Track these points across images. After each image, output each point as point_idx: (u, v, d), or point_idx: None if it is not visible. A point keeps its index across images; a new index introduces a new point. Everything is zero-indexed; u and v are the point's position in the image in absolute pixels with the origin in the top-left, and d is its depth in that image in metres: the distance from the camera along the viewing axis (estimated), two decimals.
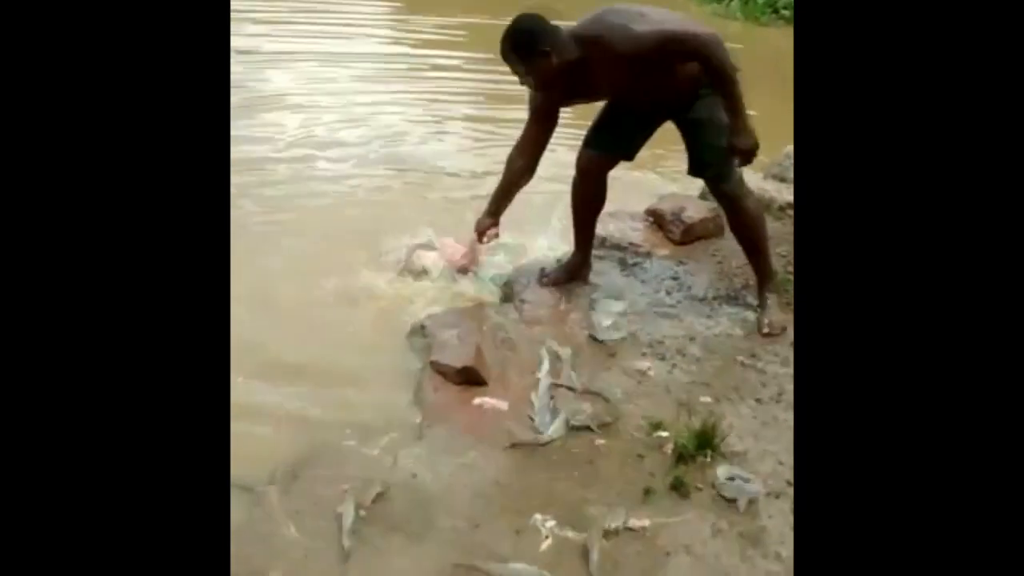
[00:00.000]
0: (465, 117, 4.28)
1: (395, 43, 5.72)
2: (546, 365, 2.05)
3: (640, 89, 2.18)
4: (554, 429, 1.84)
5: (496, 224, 2.42)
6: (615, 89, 2.23)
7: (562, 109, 2.31)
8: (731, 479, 1.69)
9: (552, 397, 1.95)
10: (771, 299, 2.36)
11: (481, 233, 2.42)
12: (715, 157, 2.22)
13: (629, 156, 2.41)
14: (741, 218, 2.32)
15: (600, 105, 2.38)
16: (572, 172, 2.41)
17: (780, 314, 2.33)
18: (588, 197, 2.43)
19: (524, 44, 2.06)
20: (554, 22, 2.11)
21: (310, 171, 3.49)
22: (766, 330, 2.29)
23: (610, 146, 2.36)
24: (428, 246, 2.64)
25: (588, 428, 1.85)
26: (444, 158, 3.70)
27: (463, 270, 2.55)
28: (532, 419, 1.88)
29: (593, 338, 2.23)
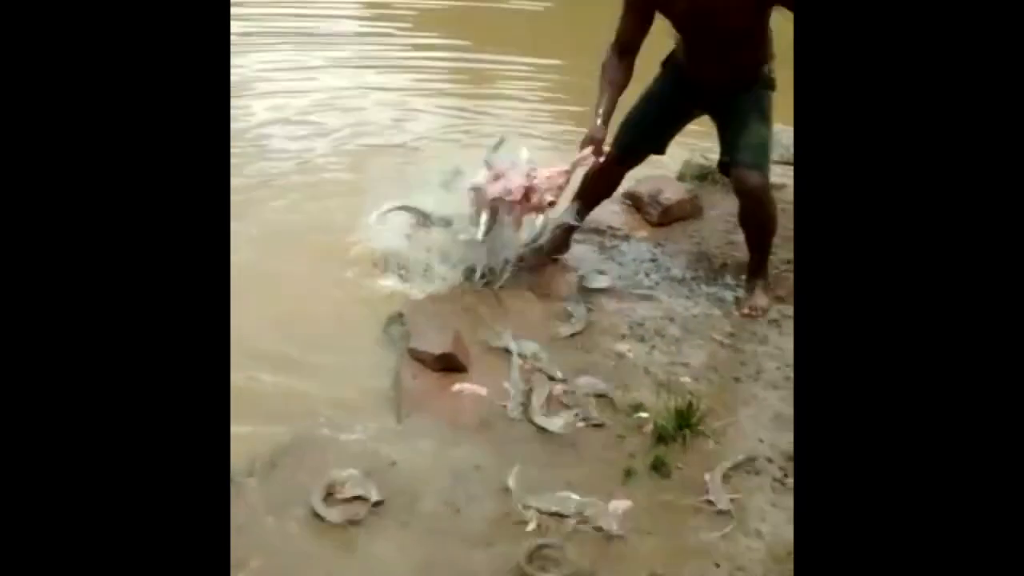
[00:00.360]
0: (443, 94, 4.23)
1: (372, 23, 5.63)
2: (515, 348, 2.04)
3: (724, 37, 2.15)
4: (531, 408, 1.84)
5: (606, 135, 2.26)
6: (709, 18, 2.12)
7: None
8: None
9: (528, 381, 1.94)
10: (759, 285, 2.37)
11: (599, 143, 2.23)
12: (757, 148, 2.23)
13: (660, 150, 2.47)
14: (759, 215, 2.30)
15: (629, 100, 2.38)
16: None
17: (765, 299, 2.35)
18: (603, 187, 2.50)
19: None
20: None
21: (282, 151, 3.42)
22: (746, 310, 2.31)
23: (642, 143, 2.41)
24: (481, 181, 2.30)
25: (570, 410, 1.85)
26: (421, 137, 3.65)
27: (538, 206, 2.30)
28: (505, 406, 1.86)
29: (585, 288, 2.35)
